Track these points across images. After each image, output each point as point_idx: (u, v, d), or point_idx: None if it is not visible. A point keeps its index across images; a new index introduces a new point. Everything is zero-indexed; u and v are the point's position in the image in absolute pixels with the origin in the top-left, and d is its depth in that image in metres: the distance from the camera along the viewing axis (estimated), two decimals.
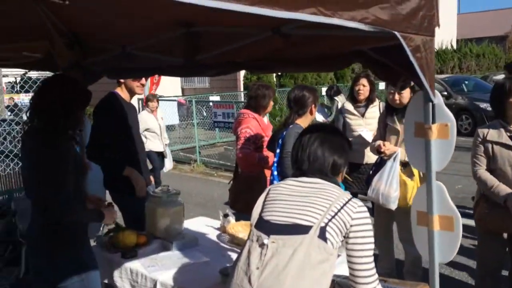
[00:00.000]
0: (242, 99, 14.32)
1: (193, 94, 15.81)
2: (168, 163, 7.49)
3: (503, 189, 2.76)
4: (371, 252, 1.58)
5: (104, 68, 3.22)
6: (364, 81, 4.41)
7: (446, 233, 1.59)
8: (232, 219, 2.96)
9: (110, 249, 2.64)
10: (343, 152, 1.74)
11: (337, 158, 1.71)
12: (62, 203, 2.04)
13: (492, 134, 2.84)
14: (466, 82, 14.25)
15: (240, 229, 2.86)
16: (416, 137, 1.63)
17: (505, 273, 3.16)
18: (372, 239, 1.58)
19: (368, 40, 1.75)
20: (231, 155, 9.91)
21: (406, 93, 3.33)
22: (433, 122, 1.56)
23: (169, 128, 12.07)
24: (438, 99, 1.55)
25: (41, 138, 2.11)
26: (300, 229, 1.53)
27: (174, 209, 2.82)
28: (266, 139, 3.85)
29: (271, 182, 3.17)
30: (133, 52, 2.79)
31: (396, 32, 1.37)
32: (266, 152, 3.82)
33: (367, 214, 1.59)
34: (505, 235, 2.94)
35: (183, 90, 19.01)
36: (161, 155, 7.29)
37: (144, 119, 7.10)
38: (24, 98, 13.98)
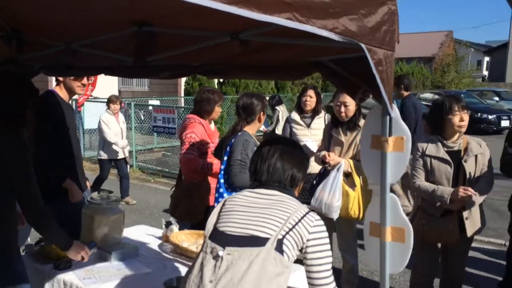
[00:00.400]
0: (183, 104, 14.11)
1: (131, 97, 15.33)
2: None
3: (445, 189, 2.88)
4: (330, 266, 1.57)
5: (43, 64, 2.99)
6: (311, 92, 4.49)
7: (398, 244, 1.62)
8: (175, 227, 2.85)
9: (41, 260, 2.42)
10: (302, 165, 1.73)
11: (296, 171, 1.69)
12: (37, 200, 2.01)
13: (430, 148, 2.98)
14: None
15: (183, 238, 2.75)
16: (372, 149, 1.65)
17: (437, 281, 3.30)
18: (330, 252, 1.57)
19: (329, 50, 1.75)
20: (169, 161, 9.68)
21: (352, 106, 3.43)
22: (390, 135, 1.58)
23: None
24: (395, 113, 1.58)
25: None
26: (257, 241, 1.49)
27: (113, 217, 2.66)
28: (212, 145, 3.80)
29: (217, 190, 3.10)
30: (78, 49, 2.62)
31: (362, 44, 1.37)
32: (211, 159, 3.76)
33: (324, 228, 1.59)
34: (439, 245, 3.08)
35: (120, 92, 18.33)
36: (123, 161, 6.87)
37: (106, 121, 6.66)
38: None
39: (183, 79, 16.23)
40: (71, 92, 3.18)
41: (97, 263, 2.43)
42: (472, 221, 2.96)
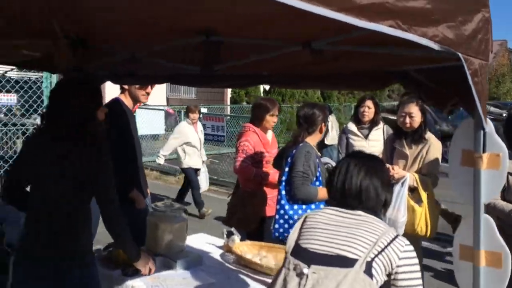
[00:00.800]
0: (228, 113, 14.25)
1: (179, 105, 15.61)
2: (204, 183, 6.84)
3: None
4: None
5: (108, 72, 3.07)
6: (369, 103, 4.38)
7: (493, 270, 1.50)
8: (237, 238, 2.82)
9: (109, 265, 2.46)
10: (391, 187, 1.67)
11: (389, 195, 1.63)
12: (114, 207, 2.07)
13: (509, 165, 2.79)
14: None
15: (246, 249, 2.72)
16: (463, 166, 1.55)
17: None
18: (421, 280, 1.49)
19: (413, 60, 1.68)
20: (218, 168, 9.74)
21: (417, 117, 3.30)
22: (484, 151, 1.48)
23: (154, 137, 11.84)
24: (490, 127, 1.48)
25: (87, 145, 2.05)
26: (345, 262, 1.43)
27: (177, 224, 2.67)
28: (267, 155, 3.77)
29: (278, 202, 3.05)
30: (143, 58, 2.66)
31: (459, 53, 1.30)
32: (268, 168, 3.73)
33: (415, 254, 1.51)
34: None
35: (168, 100, 18.80)
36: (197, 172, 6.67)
37: (184, 131, 6.49)
38: (2, 98, 13.54)
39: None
40: (135, 100, 3.24)
41: (163, 271, 2.44)
42: None
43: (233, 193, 3.94)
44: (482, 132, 1.49)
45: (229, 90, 17.04)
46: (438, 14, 1.26)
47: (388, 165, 3.33)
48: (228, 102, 16.92)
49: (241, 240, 2.84)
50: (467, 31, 1.36)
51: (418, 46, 1.28)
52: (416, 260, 1.49)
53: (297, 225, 1.61)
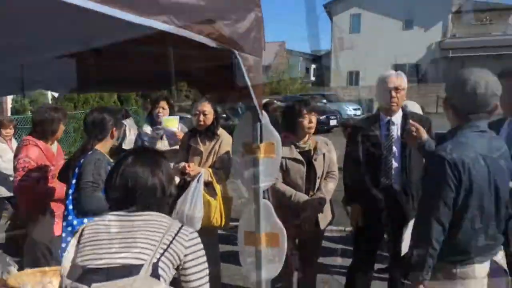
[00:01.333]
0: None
1: None
2: None
3: (302, 196, 3.07)
4: (207, 278, 1.49)
5: None
6: (163, 104, 4.31)
7: (272, 249, 1.61)
8: (13, 268, 2.40)
9: None
10: (173, 178, 1.59)
11: (173, 188, 1.57)
12: None
13: (284, 151, 3.08)
14: (240, 105, 15.88)
15: (24, 279, 2.33)
16: (245, 156, 1.60)
17: None
18: (206, 264, 1.49)
19: (195, 59, 1.66)
20: None
21: (210, 115, 3.39)
22: (261, 141, 1.56)
23: None
24: (265, 119, 1.56)
25: None
26: (130, 270, 1.32)
27: None
28: (53, 168, 3.39)
29: (65, 218, 2.71)
30: None
31: (235, 51, 1.32)
32: (54, 183, 3.34)
33: (199, 240, 1.50)
34: (296, 241, 3.23)
35: None
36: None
37: None
38: None
39: (9, 97, 14.46)
40: None
41: None
42: (324, 214, 3.19)
43: (10, 217, 3.41)
44: (259, 123, 1.56)
45: (9, 99, 14.94)
46: (213, 12, 1.27)
47: (184, 163, 3.35)
48: (9, 113, 14.78)
49: (20, 270, 2.43)
50: (241, 29, 1.41)
51: (197, 44, 1.25)
52: (201, 246, 1.49)
53: (73, 242, 1.42)
